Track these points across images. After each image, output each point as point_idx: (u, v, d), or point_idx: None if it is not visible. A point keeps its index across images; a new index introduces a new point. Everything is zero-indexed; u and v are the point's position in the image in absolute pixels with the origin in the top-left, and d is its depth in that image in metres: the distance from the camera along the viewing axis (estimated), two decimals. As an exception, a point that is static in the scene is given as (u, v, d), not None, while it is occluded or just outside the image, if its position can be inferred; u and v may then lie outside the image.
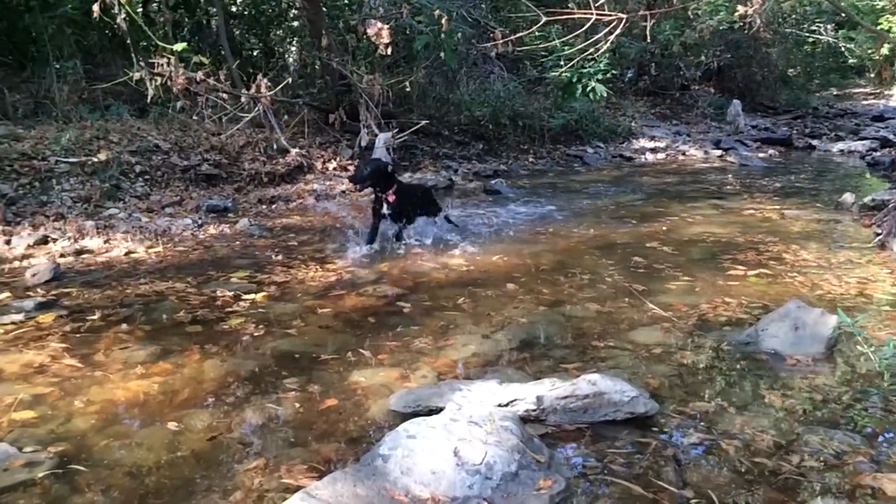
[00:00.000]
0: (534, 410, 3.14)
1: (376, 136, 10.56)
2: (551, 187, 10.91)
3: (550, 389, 3.21)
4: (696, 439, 3.06)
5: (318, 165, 10.49)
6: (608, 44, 6.57)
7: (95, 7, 6.72)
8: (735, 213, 8.34)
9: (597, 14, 6.09)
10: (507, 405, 3.13)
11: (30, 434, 3.10)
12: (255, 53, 14.12)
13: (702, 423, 3.19)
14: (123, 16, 6.67)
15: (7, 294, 5.10)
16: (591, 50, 7.49)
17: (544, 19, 6.05)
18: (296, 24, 14.36)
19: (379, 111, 10.62)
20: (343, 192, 9.76)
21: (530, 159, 13.61)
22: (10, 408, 3.34)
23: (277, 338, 4.37)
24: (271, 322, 4.64)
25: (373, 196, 6.78)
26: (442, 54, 10.98)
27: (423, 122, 11.23)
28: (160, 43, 6.97)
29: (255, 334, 4.42)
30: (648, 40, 8.63)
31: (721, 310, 4.72)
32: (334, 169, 10.57)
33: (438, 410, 3.14)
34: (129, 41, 7.44)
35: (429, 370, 3.85)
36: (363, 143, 10.85)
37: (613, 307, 4.84)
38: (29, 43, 10.60)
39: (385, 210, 6.60)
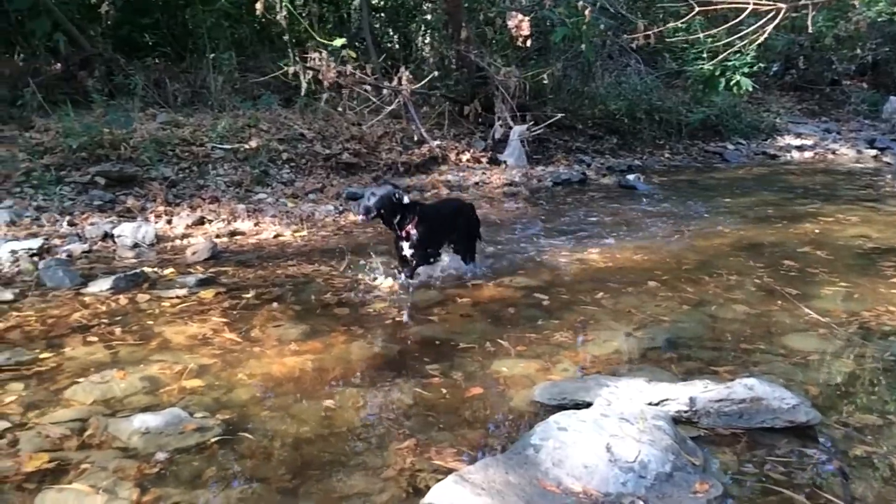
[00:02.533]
0: (686, 411, 3.05)
1: (511, 128, 10.56)
2: (690, 184, 10.56)
3: (703, 391, 3.11)
4: (862, 452, 2.88)
5: (452, 157, 10.60)
6: (763, 36, 6.26)
7: (259, 5, 7.11)
8: (895, 217, 7.77)
9: (753, 3, 5.82)
10: (657, 404, 3.06)
11: (198, 401, 3.32)
12: (392, 46, 14.43)
13: (868, 437, 3.00)
14: (284, 14, 7.00)
15: (171, 270, 5.48)
16: (740, 42, 7.17)
17: (697, 9, 5.83)
18: (429, 17, 14.53)
19: (514, 104, 10.61)
20: (476, 183, 9.83)
21: (666, 155, 13.21)
22: (180, 375, 3.59)
23: (419, 324, 4.47)
24: (412, 308, 4.75)
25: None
26: (583, 46, 10.80)
27: (559, 116, 11.12)
28: (318, 39, 7.26)
29: (398, 319, 4.54)
30: (809, 30, 8.15)
31: (885, 318, 4.42)
32: (468, 161, 10.65)
33: (585, 404, 3.12)
34: (286, 37, 7.80)
35: (570, 364, 3.83)
36: (497, 136, 10.89)
37: (763, 310, 4.62)
38: (187, 36, 11.32)
39: (406, 250, 5.07)
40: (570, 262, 5.97)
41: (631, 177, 10.56)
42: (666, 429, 2.74)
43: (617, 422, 2.76)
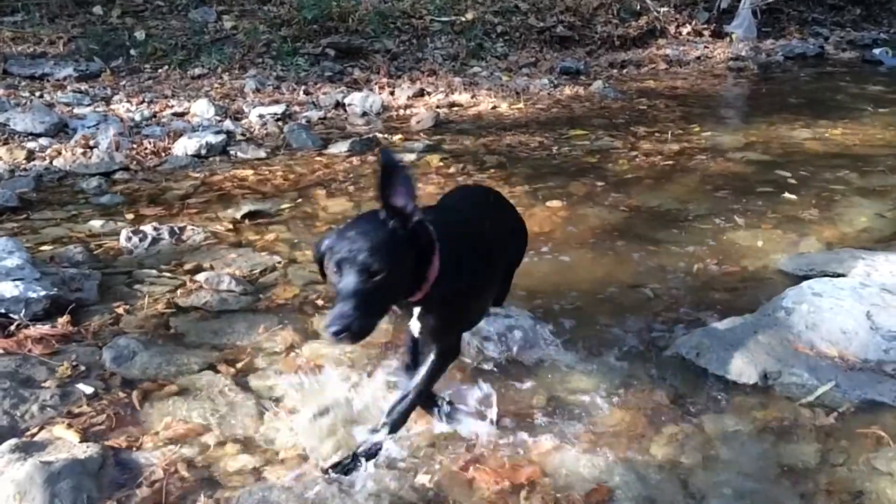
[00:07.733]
0: (956, 289, 2.81)
1: (741, -3, 9.72)
2: (951, 59, 9.26)
3: (979, 269, 2.84)
4: None
5: (672, 29, 9.99)
6: None
7: None
8: None
9: None
10: (922, 279, 2.84)
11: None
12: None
13: None
14: None
15: (399, 136, 5.74)
16: None
17: None
18: None
19: (745, -31, 9.71)
20: (697, 58, 9.25)
21: (921, 28, 11.64)
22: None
23: (643, 190, 4.41)
24: (641, 177, 4.67)
25: None
26: None
27: (797, -18, 10.05)
28: None
29: (624, 187, 4.48)
30: None
31: None
32: (688, 34, 10.01)
33: (835, 276, 2.96)
34: None
35: (814, 238, 3.64)
36: (723, 5, 10.07)
37: None
38: None
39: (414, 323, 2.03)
40: (808, 139, 5.57)
41: (877, 51, 9.45)
42: (934, 303, 2.55)
43: (878, 292, 2.61)
